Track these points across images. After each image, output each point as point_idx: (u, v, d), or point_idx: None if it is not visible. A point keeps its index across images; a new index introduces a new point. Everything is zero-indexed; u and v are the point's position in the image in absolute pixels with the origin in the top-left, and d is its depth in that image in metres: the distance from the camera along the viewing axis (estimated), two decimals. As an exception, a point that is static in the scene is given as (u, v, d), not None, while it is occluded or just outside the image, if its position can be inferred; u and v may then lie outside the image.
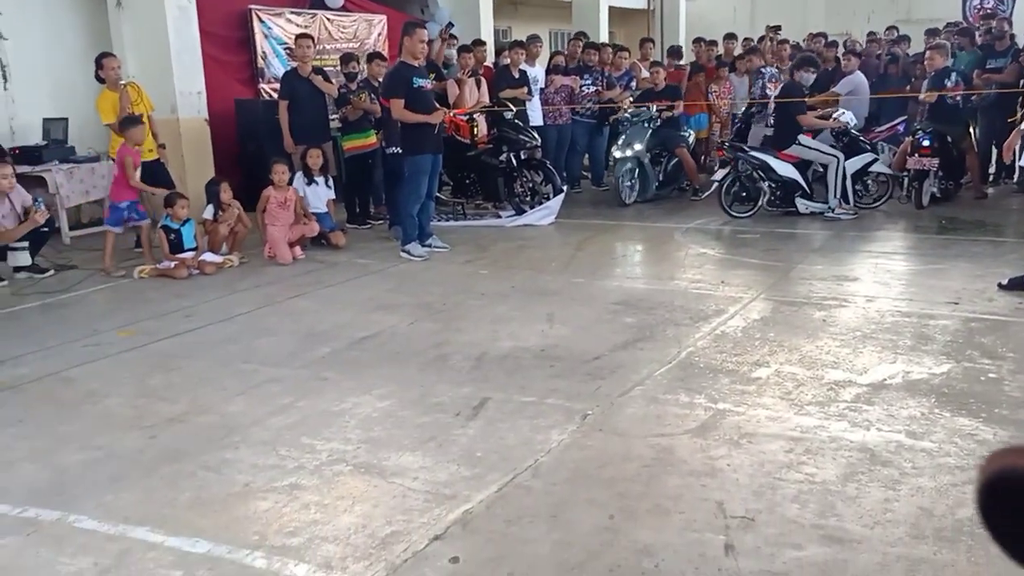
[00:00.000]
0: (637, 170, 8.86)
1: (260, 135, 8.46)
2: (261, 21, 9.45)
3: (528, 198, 8.46)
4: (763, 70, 9.81)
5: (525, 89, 9.08)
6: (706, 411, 3.71)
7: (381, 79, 7.71)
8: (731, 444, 3.40)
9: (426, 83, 6.96)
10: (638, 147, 8.78)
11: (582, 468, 3.25)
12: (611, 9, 14.97)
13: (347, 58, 8.74)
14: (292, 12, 9.76)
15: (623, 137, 8.92)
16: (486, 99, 8.75)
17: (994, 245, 6.52)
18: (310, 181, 7.36)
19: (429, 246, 7.04)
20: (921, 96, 8.46)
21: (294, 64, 8.17)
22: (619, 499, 2.98)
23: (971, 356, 4.26)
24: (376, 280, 6.29)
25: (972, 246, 6.59)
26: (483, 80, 8.90)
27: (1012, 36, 9.78)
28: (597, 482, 3.13)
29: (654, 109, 8.94)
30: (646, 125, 8.87)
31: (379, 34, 10.72)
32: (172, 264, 6.55)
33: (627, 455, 3.35)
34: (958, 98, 8.24)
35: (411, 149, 6.87)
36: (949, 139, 8.19)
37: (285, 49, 9.46)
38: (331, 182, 7.60)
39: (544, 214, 8.21)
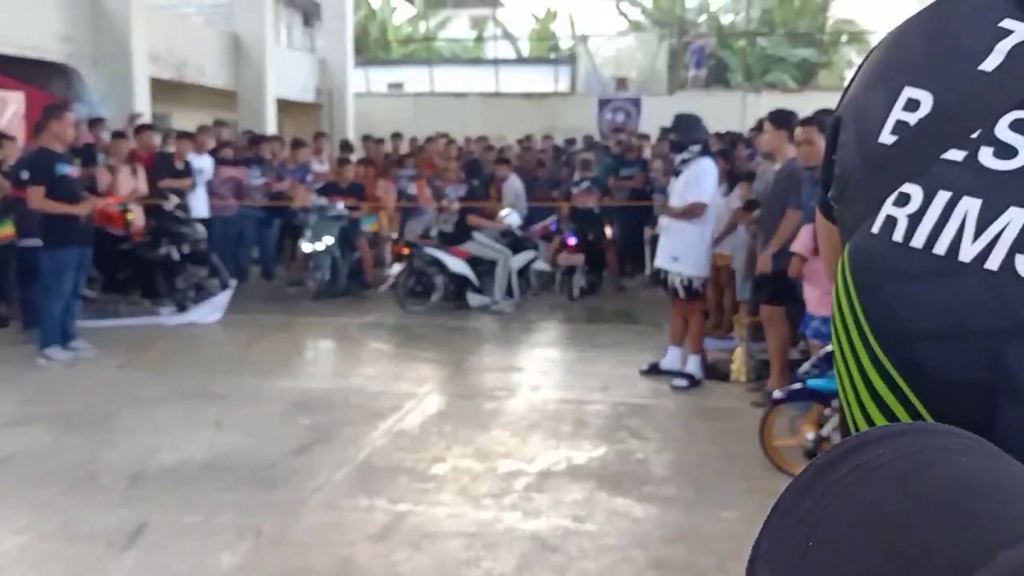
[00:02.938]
0: (329, 263, 8.77)
1: None
2: None
3: (192, 293, 7.96)
4: (401, 173, 10.37)
5: (189, 180, 8.63)
6: (386, 514, 3.67)
7: (12, 163, 6.87)
8: (412, 547, 3.38)
9: (72, 170, 6.34)
10: (329, 240, 8.70)
11: (257, 592, 3.03)
12: (279, 101, 14.92)
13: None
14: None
15: (311, 231, 8.75)
16: (143, 188, 8.17)
17: (634, 334, 7.32)
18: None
19: (73, 349, 6.30)
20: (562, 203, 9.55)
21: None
22: (298, 623, 2.81)
23: (621, 438, 4.68)
24: (8, 390, 5.47)
25: (616, 335, 7.33)
26: (140, 167, 8.31)
27: (640, 148, 11.29)
28: (274, 606, 2.93)
29: (341, 206, 8.94)
30: (338, 219, 8.84)
31: (15, 112, 9.64)
32: None
33: (307, 570, 3.19)
34: (591, 203, 9.34)
35: (54, 242, 6.16)
36: (590, 237, 9.17)
37: None
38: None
39: (210, 310, 7.77)
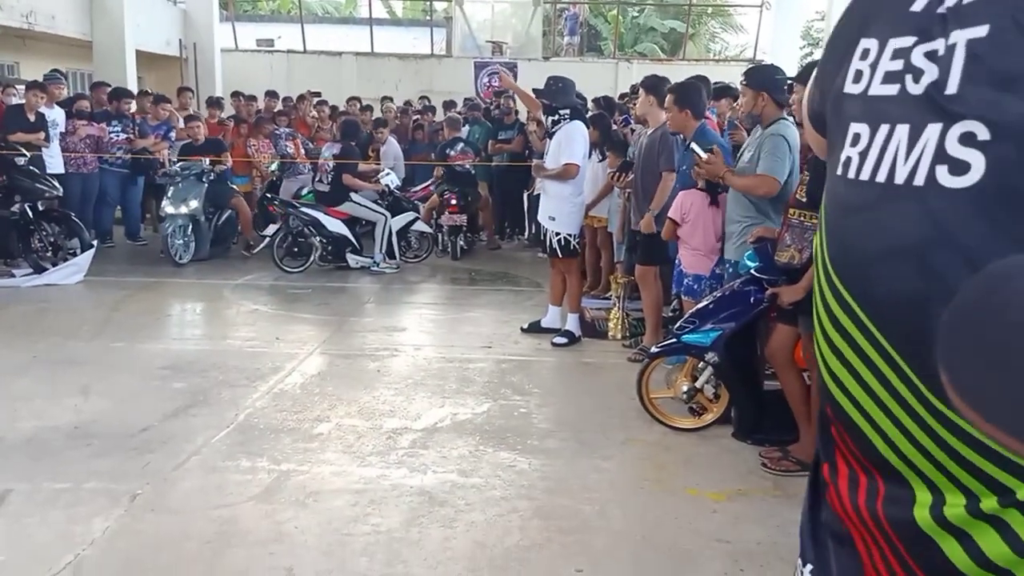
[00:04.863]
0: (191, 227, 8.34)
1: None
2: None
3: (49, 254, 7.49)
4: (278, 131, 10.06)
5: (42, 134, 8.07)
6: (269, 474, 3.61)
7: None
8: (298, 505, 3.35)
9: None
10: (194, 203, 8.22)
11: (135, 557, 2.94)
12: (139, 53, 14.08)
13: None
14: None
15: (173, 191, 8.25)
16: (-10, 142, 7.59)
17: (515, 294, 7.42)
18: None
19: (-82, 313, 5.85)
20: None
21: None
22: (182, 585, 2.74)
23: (505, 394, 4.76)
24: None
25: (497, 295, 7.41)
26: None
27: (516, 112, 11.33)
28: (153, 570, 2.85)
29: (207, 163, 8.49)
30: (202, 180, 8.38)
31: None
32: None
33: (186, 534, 3.10)
34: (467, 164, 9.36)
35: None
36: (469, 198, 9.22)
37: None
38: None
39: (70, 271, 7.34)
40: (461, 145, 9.58)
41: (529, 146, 9.66)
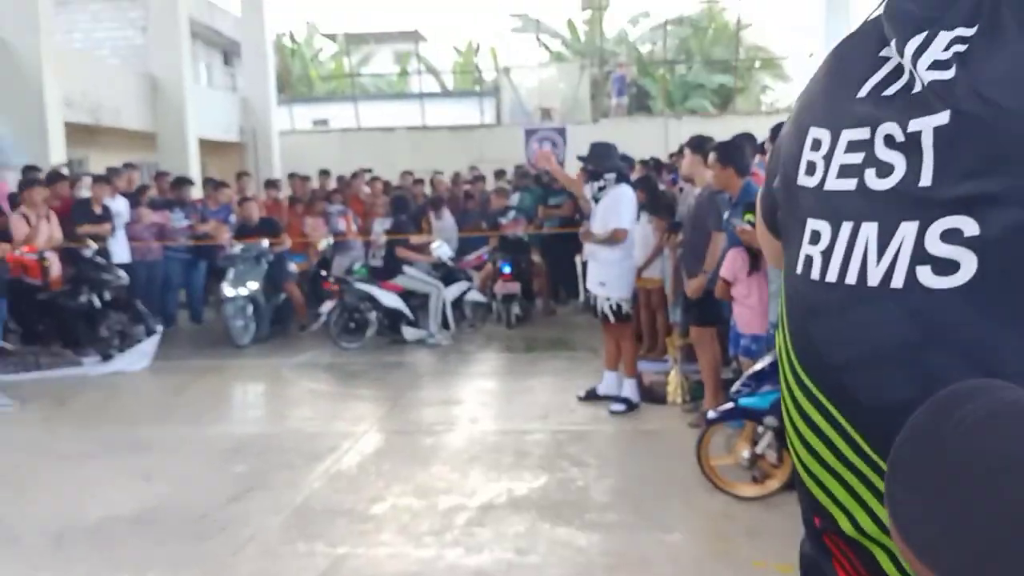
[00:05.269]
0: (251, 308, 8.50)
1: None
2: None
3: (116, 341, 7.72)
4: (330, 209, 10.27)
5: (109, 225, 8.39)
6: (325, 558, 3.59)
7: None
8: (353, 591, 3.31)
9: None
10: (253, 285, 8.41)
11: (193, 649, 2.93)
12: (201, 141, 14.65)
13: None
14: None
15: (233, 273, 8.42)
16: (59, 235, 7.90)
17: (571, 360, 7.35)
18: None
19: (-7, 405, 6.05)
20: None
21: None
22: None
23: (562, 467, 4.68)
24: (-81, 454, 5.21)
25: (553, 362, 7.36)
26: (52, 215, 8.04)
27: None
28: (211, 663, 2.84)
29: (266, 244, 8.69)
30: (261, 261, 8.58)
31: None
32: None
33: (244, 623, 3.09)
34: (519, 231, 9.45)
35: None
36: (522, 265, 9.26)
37: None
38: None
39: (137, 358, 7.54)
40: (513, 213, 9.68)
41: (579, 210, 9.71)
